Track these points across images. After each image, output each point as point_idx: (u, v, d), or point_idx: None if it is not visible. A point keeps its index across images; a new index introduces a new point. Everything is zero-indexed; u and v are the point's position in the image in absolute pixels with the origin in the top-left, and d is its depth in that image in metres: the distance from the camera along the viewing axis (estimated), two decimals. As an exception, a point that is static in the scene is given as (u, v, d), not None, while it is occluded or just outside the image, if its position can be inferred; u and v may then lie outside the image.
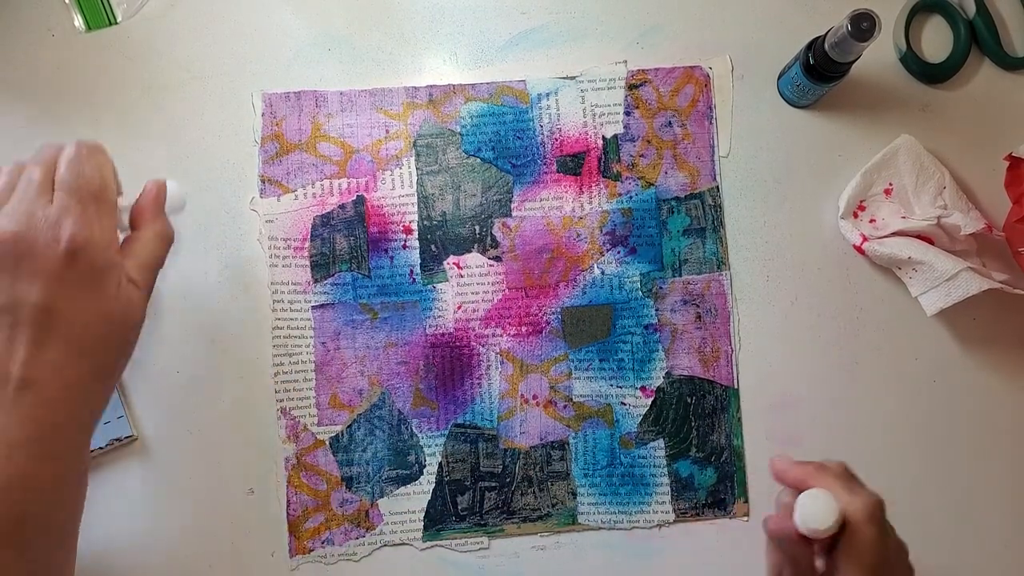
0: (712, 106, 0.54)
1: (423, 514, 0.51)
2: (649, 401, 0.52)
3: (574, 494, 0.51)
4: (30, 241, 0.37)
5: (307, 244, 0.52)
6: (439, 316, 0.52)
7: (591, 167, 0.53)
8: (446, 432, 0.51)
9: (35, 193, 0.38)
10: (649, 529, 0.51)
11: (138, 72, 0.54)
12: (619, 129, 0.54)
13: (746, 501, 0.51)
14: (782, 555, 0.37)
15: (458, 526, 0.51)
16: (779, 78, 0.54)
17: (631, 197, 0.53)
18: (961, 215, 0.50)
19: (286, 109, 0.53)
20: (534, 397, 0.52)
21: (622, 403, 0.52)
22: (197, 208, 0.53)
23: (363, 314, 0.52)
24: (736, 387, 0.52)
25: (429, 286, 0.52)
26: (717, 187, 0.53)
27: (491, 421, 0.51)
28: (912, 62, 0.54)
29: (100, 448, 0.50)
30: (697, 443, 0.51)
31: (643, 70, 0.54)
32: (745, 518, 0.51)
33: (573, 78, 0.54)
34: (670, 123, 0.54)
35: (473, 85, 0.54)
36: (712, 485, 0.51)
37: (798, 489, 0.37)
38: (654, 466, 0.51)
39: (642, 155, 0.54)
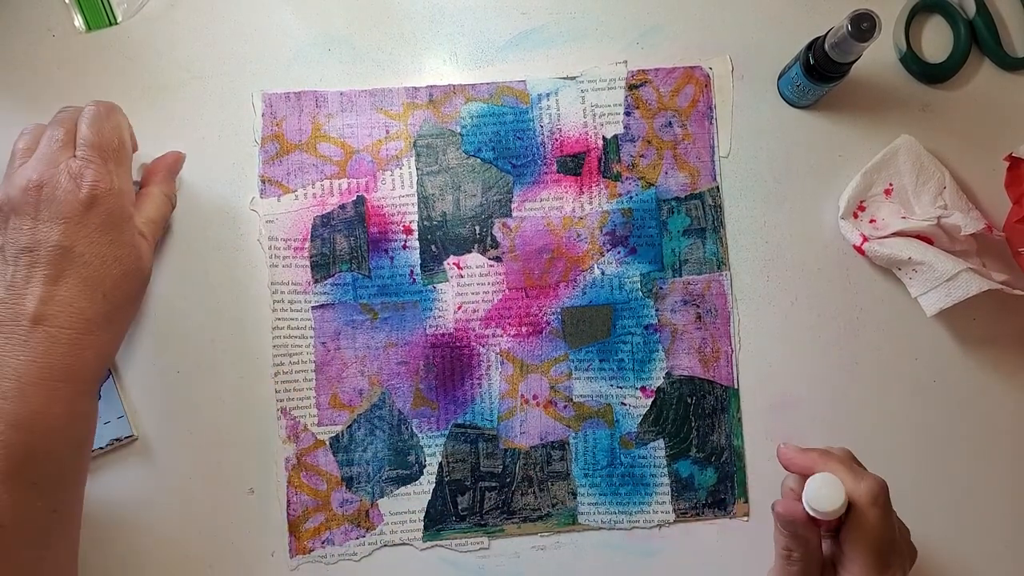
0: (712, 106, 0.54)
1: (423, 514, 0.51)
2: (649, 401, 0.52)
3: (574, 494, 0.51)
4: (53, 187, 0.40)
5: (307, 244, 0.52)
6: (439, 316, 0.52)
7: (591, 167, 0.53)
8: (446, 432, 0.51)
9: (58, 147, 0.42)
10: (649, 529, 0.51)
11: (138, 72, 0.54)
12: (619, 129, 0.54)
13: (746, 501, 0.51)
14: (791, 538, 0.38)
15: (458, 526, 0.51)
16: (779, 78, 0.54)
17: (631, 197, 0.53)
18: (961, 215, 0.50)
19: (286, 109, 0.53)
20: (534, 397, 0.52)
21: (622, 403, 0.52)
22: (197, 208, 0.53)
23: (363, 314, 0.52)
24: (736, 387, 0.52)
25: (429, 286, 0.52)
26: (717, 187, 0.53)
27: (491, 421, 0.51)
28: (912, 62, 0.54)
29: (100, 448, 0.50)
30: (697, 443, 0.51)
31: (643, 70, 0.54)
32: (745, 518, 0.51)
33: (573, 78, 0.54)
34: (670, 123, 0.54)
35: (473, 85, 0.54)
36: (712, 485, 0.51)
37: (805, 475, 0.38)
38: (654, 466, 0.51)
39: (642, 155, 0.54)
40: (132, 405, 0.51)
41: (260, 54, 0.54)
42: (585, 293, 0.52)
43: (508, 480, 0.51)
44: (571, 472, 0.51)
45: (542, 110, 0.54)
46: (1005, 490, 0.52)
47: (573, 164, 0.53)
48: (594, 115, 0.54)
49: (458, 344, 0.52)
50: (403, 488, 0.51)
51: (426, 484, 0.51)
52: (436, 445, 0.51)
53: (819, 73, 0.49)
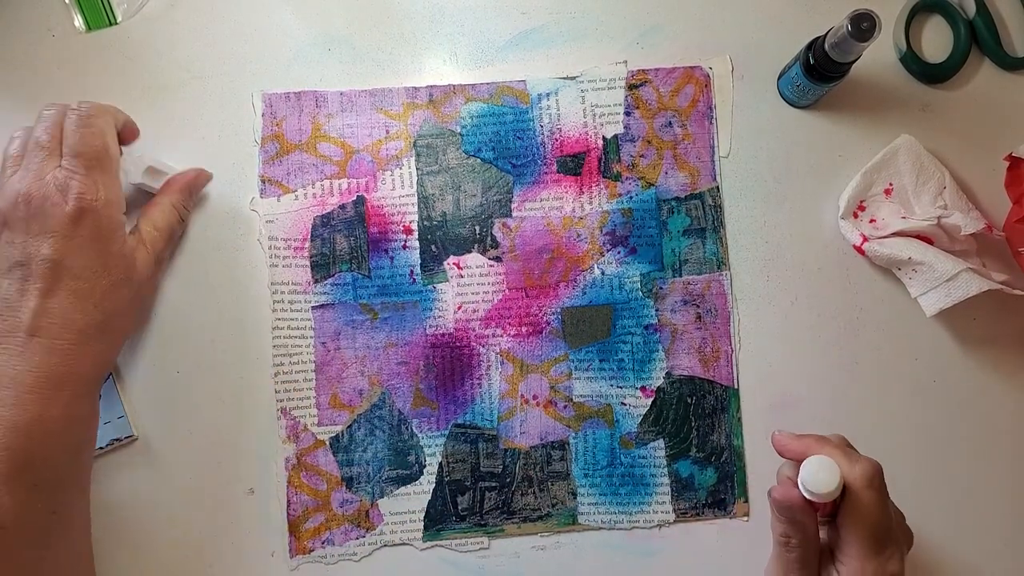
0: (712, 106, 0.54)
1: (423, 514, 0.51)
2: (649, 401, 0.52)
3: (574, 494, 0.51)
4: (40, 201, 0.41)
5: (307, 244, 0.52)
6: (439, 316, 0.52)
7: (591, 167, 0.53)
8: (446, 432, 0.51)
9: (43, 158, 0.42)
10: (649, 529, 0.51)
11: (138, 72, 0.54)
12: (619, 129, 0.54)
13: (746, 501, 0.51)
14: (788, 524, 0.38)
15: (458, 526, 0.51)
16: (779, 78, 0.54)
17: (631, 197, 0.53)
18: (961, 215, 0.50)
19: (286, 109, 0.53)
20: (534, 397, 0.52)
21: (622, 403, 0.52)
22: (197, 208, 0.53)
23: (363, 314, 0.52)
24: (736, 387, 0.52)
25: (429, 286, 0.52)
26: (717, 187, 0.53)
27: (491, 421, 0.51)
28: (912, 62, 0.54)
29: (100, 448, 0.50)
30: (697, 443, 0.51)
31: (643, 70, 0.54)
32: (745, 518, 0.51)
33: (573, 78, 0.54)
34: (670, 123, 0.54)
35: (473, 85, 0.54)
36: (712, 485, 0.51)
37: (799, 461, 0.38)
38: (654, 466, 0.51)
39: (642, 155, 0.54)
40: (132, 405, 0.51)
41: (260, 54, 0.54)
42: (585, 293, 0.52)
43: (508, 480, 0.51)
44: (571, 472, 0.51)
45: (542, 110, 0.54)
46: (1005, 490, 0.52)
47: (573, 164, 0.53)
48: (594, 115, 0.54)
49: (458, 344, 0.52)
50: (403, 488, 0.51)
51: (426, 484, 0.51)
52: (436, 445, 0.51)
53: (819, 73, 0.49)
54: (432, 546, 0.51)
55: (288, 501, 0.50)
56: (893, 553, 0.37)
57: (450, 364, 0.52)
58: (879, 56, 0.54)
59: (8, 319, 0.40)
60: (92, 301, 0.42)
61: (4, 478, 0.39)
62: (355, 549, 0.50)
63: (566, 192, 0.53)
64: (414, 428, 0.51)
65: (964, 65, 0.54)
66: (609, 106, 0.54)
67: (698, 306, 0.53)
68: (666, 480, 0.51)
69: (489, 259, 0.53)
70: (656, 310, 0.52)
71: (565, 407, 0.52)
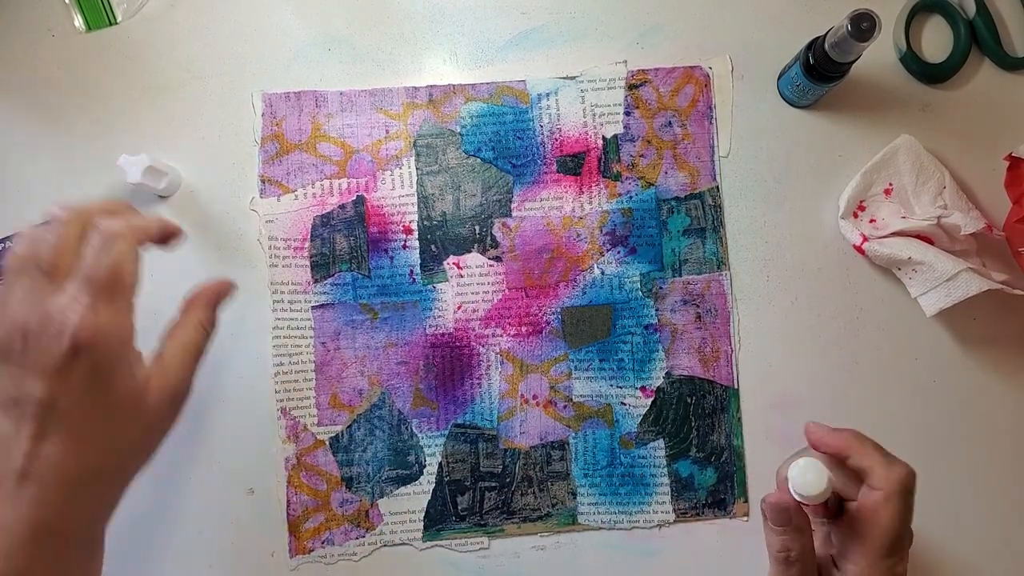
0: (712, 106, 0.54)
1: (423, 514, 0.51)
2: (649, 401, 0.52)
3: (574, 494, 0.51)
4: (38, 334, 0.36)
5: (307, 244, 0.52)
6: (439, 316, 0.52)
7: (591, 167, 0.53)
8: (446, 432, 0.51)
9: (45, 282, 0.37)
10: (649, 529, 0.51)
11: (138, 72, 0.54)
12: (619, 129, 0.54)
13: (746, 501, 0.51)
14: (787, 535, 0.38)
15: (458, 526, 0.51)
16: (779, 78, 0.54)
17: (631, 197, 0.53)
18: (961, 215, 0.50)
19: (286, 109, 0.53)
20: (534, 397, 0.52)
21: (622, 403, 0.52)
22: (197, 208, 0.53)
23: (363, 314, 0.52)
24: (736, 387, 0.52)
25: (429, 286, 0.52)
26: (717, 187, 0.53)
27: (491, 421, 0.51)
28: (912, 62, 0.54)
29: (100, 448, 0.50)
30: (697, 443, 0.51)
31: (643, 70, 0.54)
32: (745, 518, 0.51)
33: (573, 78, 0.54)
34: (670, 123, 0.54)
35: (473, 85, 0.54)
36: (712, 485, 0.51)
37: (834, 456, 0.39)
38: (654, 466, 0.51)
39: (642, 155, 0.54)
40: (132, 405, 0.51)
41: (260, 54, 0.54)
42: (585, 293, 0.52)
43: (508, 480, 0.51)
44: (571, 472, 0.51)
45: (542, 110, 0.54)
46: (1005, 490, 0.52)
47: (573, 164, 0.53)
48: (594, 115, 0.54)
49: (458, 344, 0.52)
50: (403, 488, 0.51)
51: (426, 484, 0.51)
52: (436, 445, 0.51)
53: (819, 73, 0.49)
54: (432, 546, 0.51)
55: (288, 501, 0.50)
56: (903, 556, 0.37)
57: (450, 364, 0.52)
58: (879, 56, 0.54)
59: (3, 460, 0.36)
60: (90, 445, 0.37)
61: None
62: (355, 549, 0.50)
63: (566, 192, 0.53)
64: (414, 428, 0.51)
65: (964, 65, 0.54)
66: (609, 106, 0.54)
67: (698, 306, 0.52)
68: (666, 480, 0.51)
69: (489, 259, 0.53)
70: (656, 310, 0.52)
71: (565, 407, 0.52)
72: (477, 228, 0.53)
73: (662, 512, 0.51)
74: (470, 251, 0.53)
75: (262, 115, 0.53)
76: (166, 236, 0.43)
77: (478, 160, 0.53)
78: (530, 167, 0.53)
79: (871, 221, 0.53)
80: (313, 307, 0.52)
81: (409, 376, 0.52)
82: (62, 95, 0.54)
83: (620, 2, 0.55)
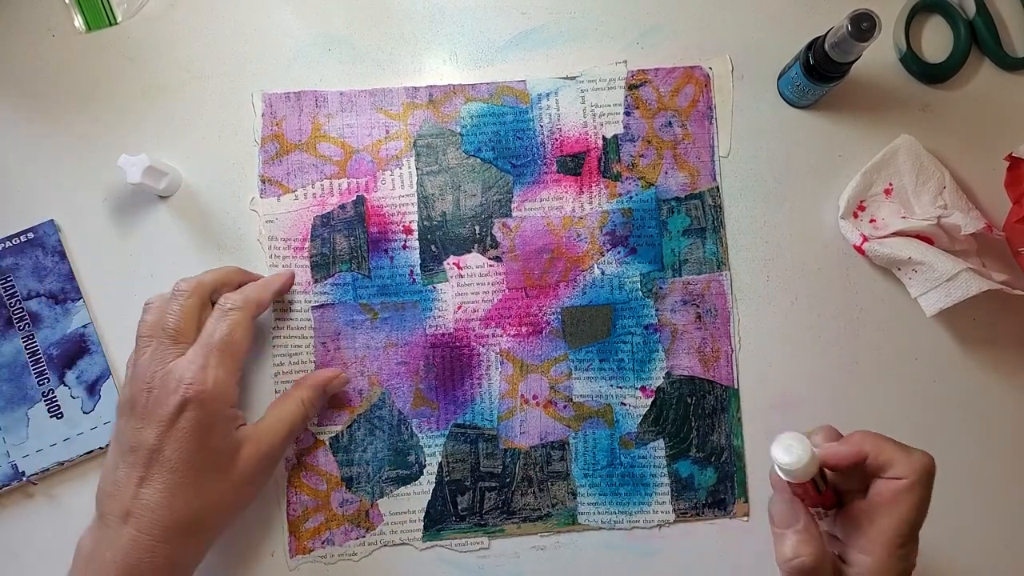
0: (712, 106, 0.54)
1: (423, 514, 0.51)
2: (649, 401, 0.52)
3: (574, 494, 0.51)
4: (160, 389, 0.42)
5: (307, 244, 0.52)
6: (439, 316, 0.52)
7: (591, 167, 0.53)
8: (446, 432, 0.51)
9: (168, 345, 0.44)
10: (649, 529, 0.51)
11: (138, 72, 0.54)
12: (619, 129, 0.54)
13: (746, 501, 0.51)
14: (796, 538, 0.36)
15: (458, 526, 0.51)
16: (779, 78, 0.54)
17: (631, 197, 0.53)
18: (961, 215, 0.50)
19: (286, 109, 0.53)
20: (534, 397, 0.52)
21: (622, 403, 0.52)
22: (197, 208, 0.53)
23: (363, 314, 0.52)
24: (736, 387, 0.52)
25: (429, 286, 0.52)
26: (717, 187, 0.53)
27: (491, 421, 0.51)
28: (912, 62, 0.54)
29: (101, 448, 0.50)
30: (697, 443, 0.51)
31: (643, 70, 0.54)
32: (745, 518, 0.51)
33: (573, 78, 0.54)
34: (670, 123, 0.54)
35: (473, 85, 0.54)
36: (712, 485, 0.51)
37: (855, 464, 0.37)
38: (654, 466, 0.51)
39: (642, 155, 0.54)
40: (132, 405, 0.51)
41: (260, 54, 0.54)
42: (585, 293, 0.52)
43: (508, 480, 0.51)
44: (571, 472, 0.51)
45: (542, 110, 0.54)
46: (1005, 490, 0.52)
47: (573, 164, 0.53)
48: (594, 115, 0.54)
49: (458, 344, 0.52)
50: (403, 488, 0.51)
51: (426, 484, 0.51)
52: (436, 445, 0.51)
53: (819, 73, 0.49)
54: (432, 546, 0.51)
55: (288, 501, 0.50)
56: (916, 545, 0.37)
57: (450, 364, 0.52)
58: (879, 56, 0.54)
59: (115, 501, 0.41)
60: (184, 498, 0.42)
61: None
62: (355, 549, 0.50)
63: (566, 192, 0.53)
64: (414, 428, 0.51)
65: (964, 65, 0.54)
66: (609, 106, 0.54)
67: (698, 306, 0.52)
68: (666, 480, 0.51)
69: (489, 259, 0.53)
70: (656, 310, 0.52)
71: (565, 407, 0.52)
72: (477, 228, 0.53)
73: (662, 512, 0.51)
74: (470, 251, 0.53)
75: (262, 115, 0.53)
76: (281, 293, 0.50)
77: (478, 160, 0.53)
78: (530, 167, 0.53)
79: (871, 221, 0.53)
80: (313, 307, 0.52)
81: (409, 376, 0.52)
82: (62, 95, 0.54)
83: (620, 2, 0.55)
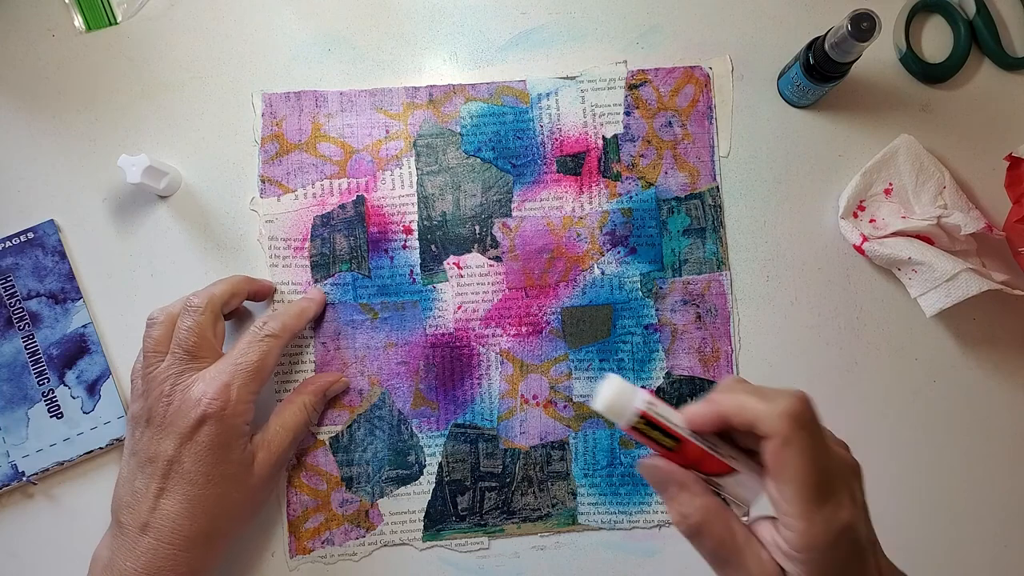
0: (712, 106, 0.54)
1: (423, 514, 0.51)
2: (649, 401, 0.52)
3: (574, 494, 0.51)
4: (179, 403, 0.43)
5: (307, 244, 0.52)
6: (439, 316, 0.52)
7: (591, 167, 0.53)
8: (446, 432, 0.51)
9: (187, 361, 0.44)
10: (649, 529, 0.51)
11: (138, 72, 0.54)
12: (619, 129, 0.54)
13: (746, 501, 0.51)
14: (677, 499, 0.33)
15: (458, 526, 0.51)
16: (779, 78, 0.54)
17: (631, 197, 0.53)
18: (961, 215, 0.50)
19: (286, 109, 0.53)
20: (534, 397, 0.52)
21: (622, 403, 0.52)
22: (197, 208, 0.53)
23: (363, 314, 0.52)
24: (736, 387, 0.52)
25: (429, 286, 0.52)
26: (717, 187, 0.53)
27: (491, 421, 0.51)
28: (912, 62, 0.54)
29: (100, 448, 0.50)
30: (697, 443, 0.51)
31: (643, 70, 0.54)
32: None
33: (573, 78, 0.54)
34: (670, 123, 0.54)
35: (473, 85, 0.54)
36: (712, 485, 0.51)
37: (722, 427, 0.32)
38: (654, 466, 0.51)
39: (642, 155, 0.54)
40: (132, 405, 0.51)
41: (260, 54, 0.54)
42: (585, 293, 0.52)
43: (508, 480, 0.51)
44: (571, 472, 0.51)
45: (542, 110, 0.54)
46: (1005, 490, 0.52)
47: (573, 164, 0.53)
48: (594, 115, 0.54)
49: (458, 344, 0.52)
50: (403, 488, 0.51)
51: (426, 484, 0.51)
52: (436, 445, 0.51)
53: (819, 73, 0.49)
54: (432, 546, 0.51)
55: (288, 501, 0.50)
56: (841, 499, 0.29)
57: (450, 364, 0.52)
58: (879, 56, 0.54)
59: (134, 513, 0.42)
60: (203, 508, 0.43)
61: None
62: (355, 549, 0.50)
63: (566, 192, 0.53)
64: (414, 428, 0.51)
65: (964, 65, 0.54)
66: (609, 106, 0.54)
67: (698, 306, 0.52)
68: (666, 480, 0.51)
69: (489, 259, 0.53)
70: (656, 310, 0.52)
71: (565, 407, 0.52)
72: (477, 228, 0.53)
73: (662, 512, 0.51)
74: (470, 251, 0.53)
75: (262, 115, 0.53)
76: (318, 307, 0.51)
77: (478, 160, 0.53)
78: (530, 167, 0.53)
79: (871, 221, 0.53)
80: (313, 307, 0.52)
81: (409, 376, 0.52)
82: (62, 95, 0.54)
83: (620, 2, 0.55)
